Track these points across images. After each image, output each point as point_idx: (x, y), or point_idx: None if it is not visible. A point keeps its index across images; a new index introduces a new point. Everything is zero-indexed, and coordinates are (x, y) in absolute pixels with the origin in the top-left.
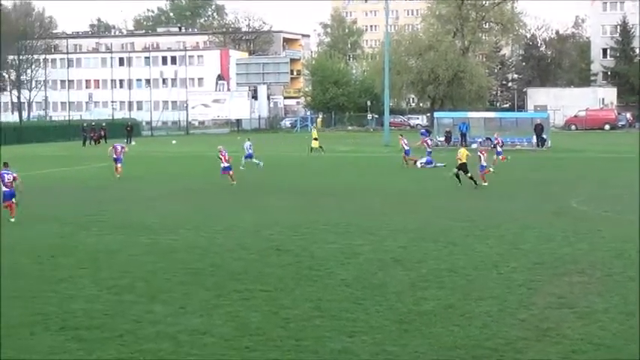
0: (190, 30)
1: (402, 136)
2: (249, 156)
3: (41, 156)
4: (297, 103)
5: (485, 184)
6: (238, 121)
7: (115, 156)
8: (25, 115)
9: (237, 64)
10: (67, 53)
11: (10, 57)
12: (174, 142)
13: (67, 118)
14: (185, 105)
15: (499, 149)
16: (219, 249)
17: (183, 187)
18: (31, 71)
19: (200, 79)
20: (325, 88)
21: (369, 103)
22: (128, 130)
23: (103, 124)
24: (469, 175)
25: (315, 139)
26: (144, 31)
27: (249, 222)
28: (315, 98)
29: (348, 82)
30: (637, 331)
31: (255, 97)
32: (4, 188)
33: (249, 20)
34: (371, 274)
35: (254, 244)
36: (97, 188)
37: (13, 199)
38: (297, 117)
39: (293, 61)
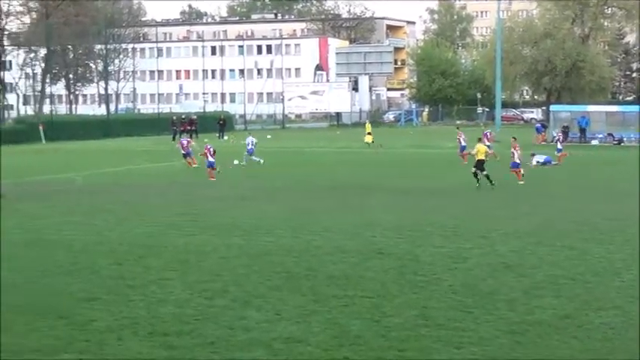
0: (287, 17)
1: (458, 129)
2: (250, 152)
3: (129, 150)
4: (402, 95)
5: (522, 182)
6: (338, 115)
7: (183, 152)
8: (112, 107)
9: (336, 53)
10: (157, 42)
11: (98, 46)
12: (269, 136)
13: (156, 111)
14: (281, 97)
15: (559, 146)
16: (317, 252)
17: (278, 186)
18: (119, 61)
19: (297, 70)
20: (432, 79)
21: (479, 95)
22: (220, 123)
23: (194, 117)
24: (485, 173)
25: (369, 133)
26: (238, 18)
27: (349, 223)
28: (420, 90)
29: (456, 72)
30: None
31: (355, 88)
32: None
33: (350, 6)
34: (480, 281)
35: (354, 247)
36: (188, 185)
37: None
38: (402, 110)
39: (397, 50)
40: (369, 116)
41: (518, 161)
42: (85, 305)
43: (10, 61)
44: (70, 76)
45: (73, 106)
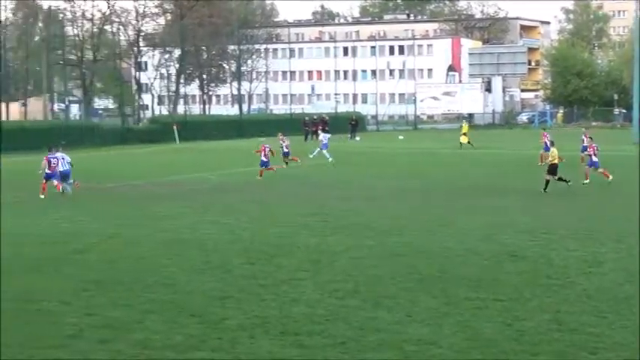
0: (419, 17)
1: (544, 130)
2: (325, 147)
3: None
4: (536, 96)
5: (587, 181)
6: (470, 116)
7: (287, 150)
8: (245, 107)
9: (469, 54)
10: (289, 43)
11: (231, 47)
12: (401, 137)
13: (288, 112)
14: (413, 98)
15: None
16: (449, 253)
17: (410, 186)
18: (252, 62)
19: (429, 70)
20: (567, 80)
21: (615, 96)
22: (352, 124)
23: (326, 118)
24: (557, 177)
25: (464, 134)
26: (370, 19)
27: (481, 224)
28: (555, 91)
29: (592, 73)
30: None
31: (488, 89)
32: (47, 170)
33: (483, 6)
34: (617, 285)
35: (486, 249)
36: (319, 186)
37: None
38: (535, 112)
39: (531, 50)
40: (502, 118)
41: (596, 160)
42: (217, 304)
43: (146, 62)
44: (204, 76)
45: (207, 107)
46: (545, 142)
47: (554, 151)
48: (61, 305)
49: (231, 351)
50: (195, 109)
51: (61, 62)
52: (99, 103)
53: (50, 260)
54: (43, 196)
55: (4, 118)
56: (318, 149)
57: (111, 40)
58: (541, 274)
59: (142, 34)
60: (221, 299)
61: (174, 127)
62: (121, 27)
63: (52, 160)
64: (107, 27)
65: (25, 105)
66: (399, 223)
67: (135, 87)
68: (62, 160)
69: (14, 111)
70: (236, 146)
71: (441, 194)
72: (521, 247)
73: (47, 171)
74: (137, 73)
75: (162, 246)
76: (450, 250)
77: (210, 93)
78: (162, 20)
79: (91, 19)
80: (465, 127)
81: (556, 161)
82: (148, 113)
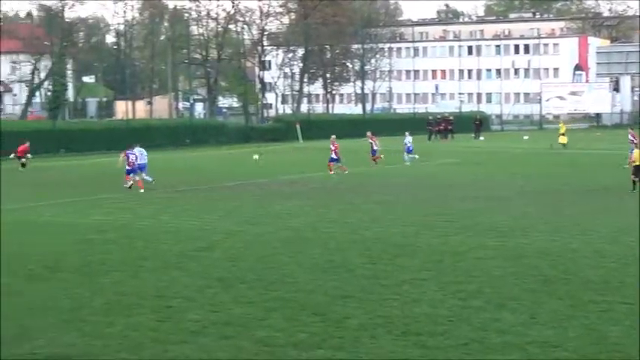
0: (545, 16)
1: (631, 129)
2: (409, 150)
3: (384, 150)
4: None
5: None
6: (598, 116)
7: (375, 147)
8: (368, 106)
9: (597, 52)
10: (413, 42)
11: (354, 46)
12: (526, 137)
13: (411, 111)
14: (538, 98)
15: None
16: (574, 255)
17: (535, 187)
18: (375, 61)
19: (555, 70)
20: None
21: None
22: (476, 124)
23: (450, 117)
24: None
25: (563, 134)
26: (495, 18)
27: (608, 226)
28: None
29: None
30: None
31: (617, 89)
32: (127, 167)
33: (612, 4)
34: None
35: (613, 252)
36: (442, 186)
37: (134, 175)
38: None
39: None
40: (630, 118)
41: None
42: (339, 302)
43: (270, 61)
44: (327, 75)
45: (330, 106)
46: (631, 142)
47: (637, 152)
48: (186, 302)
49: (352, 350)
50: (319, 107)
51: (186, 61)
52: (223, 101)
53: (176, 257)
54: (128, 185)
55: (130, 116)
56: (405, 155)
57: (235, 40)
58: None
59: (266, 33)
60: (343, 298)
61: (297, 126)
62: (245, 26)
63: (130, 155)
64: (232, 26)
65: (150, 103)
66: (524, 223)
67: (259, 86)
68: (140, 155)
69: (140, 109)
70: (358, 145)
71: (567, 195)
72: None
73: (127, 167)
74: (261, 72)
75: (284, 244)
76: (575, 251)
77: (334, 92)
78: (286, 19)
79: (216, 19)
80: (563, 128)
81: (639, 162)
82: (272, 112)
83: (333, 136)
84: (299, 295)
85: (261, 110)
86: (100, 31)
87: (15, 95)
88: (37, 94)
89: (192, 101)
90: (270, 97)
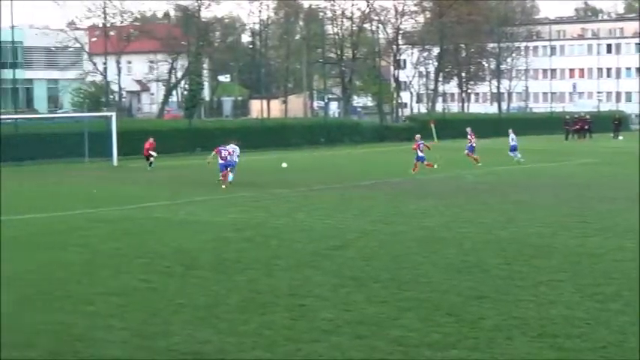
0: None
1: None
2: (514, 148)
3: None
4: None
5: None
6: None
7: (472, 144)
8: (504, 106)
9: None
10: (550, 40)
11: (490, 45)
12: None
13: (548, 110)
14: None
15: None
16: None
17: None
18: (512, 60)
19: None
20: None
21: None
22: (615, 123)
23: (587, 117)
24: None
25: None
26: (635, 15)
27: None
28: None
29: None
30: None
31: None
32: (220, 161)
33: None
34: None
35: None
36: (579, 186)
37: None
38: None
39: None
40: None
41: None
42: (473, 303)
43: (405, 60)
44: (463, 74)
45: (465, 105)
46: None
47: None
48: (319, 300)
49: (487, 351)
50: (454, 107)
51: (321, 60)
52: (357, 100)
53: (310, 255)
54: (222, 184)
55: (265, 115)
56: (511, 153)
57: (370, 39)
58: None
59: (401, 32)
60: (477, 299)
61: (432, 125)
62: (380, 25)
63: (222, 151)
64: (366, 25)
65: (285, 102)
66: None
67: (393, 85)
68: (233, 152)
69: (275, 108)
70: (493, 145)
71: None
72: None
73: (220, 161)
74: (396, 71)
75: (418, 244)
76: None
77: (469, 91)
78: (421, 18)
79: (351, 18)
80: None
81: None
82: (406, 111)
83: (418, 135)
84: (433, 295)
85: (395, 109)
86: (236, 31)
87: (152, 94)
88: (174, 93)
89: (326, 100)
90: (404, 96)
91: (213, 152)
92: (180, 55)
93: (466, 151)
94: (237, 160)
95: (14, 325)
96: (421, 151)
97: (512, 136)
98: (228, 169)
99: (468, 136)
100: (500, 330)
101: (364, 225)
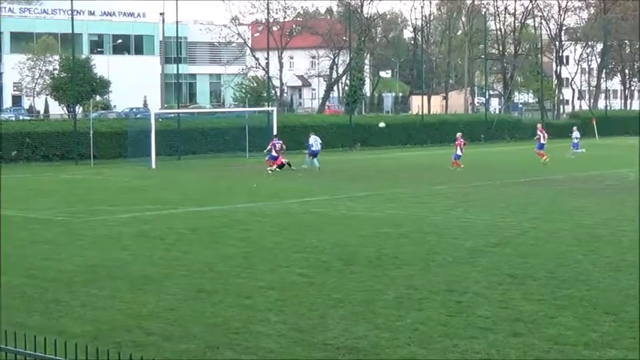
0: None
1: None
2: (314, 153)
3: None
4: None
5: None
6: None
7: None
8: None
9: None
10: None
11: None
12: None
13: None
14: None
15: None
16: None
17: None
18: None
19: None
20: None
21: None
22: None
23: None
24: None
25: None
26: None
27: None
28: None
29: None
30: None
31: None
32: (273, 153)
33: None
34: None
35: None
36: None
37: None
38: None
39: None
40: None
41: None
42: (633, 302)
43: (567, 56)
44: (626, 71)
45: (628, 102)
46: None
47: None
48: (476, 297)
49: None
50: (616, 104)
51: (483, 56)
52: (519, 97)
53: (467, 252)
54: (270, 170)
55: (425, 111)
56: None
57: (532, 35)
58: None
59: (565, 28)
60: (636, 298)
61: (594, 122)
62: (543, 21)
63: (276, 144)
64: (529, 21)
65: (446, 98)
66: None
67: (555, 81)
68: (315, 142)
69: (436, 104)
70: None
71: None
72: None
73: (273, 154)
74: (558, 67)
75: (577, 241)
76: None
77: (633, 88)
78: (585, 14)
79: (514, 14)
80: None
81: None
82: (568, 108)
83: (459, 134)
84: (591, 293)
85: (557, 106)
86: (398, 27)
87: (314, 90)
88: (335, 88)
89: (487, 97)
90: (566, 93)
91: (270, 145)
92: (342, 50)
93: (536, 150)
94: (319, 148)
95: (174, 318)
96: (461, 149)
97: (576, 134)
98: (315, 159)
99: (538, 132)
100: None
101: (523, 222)
